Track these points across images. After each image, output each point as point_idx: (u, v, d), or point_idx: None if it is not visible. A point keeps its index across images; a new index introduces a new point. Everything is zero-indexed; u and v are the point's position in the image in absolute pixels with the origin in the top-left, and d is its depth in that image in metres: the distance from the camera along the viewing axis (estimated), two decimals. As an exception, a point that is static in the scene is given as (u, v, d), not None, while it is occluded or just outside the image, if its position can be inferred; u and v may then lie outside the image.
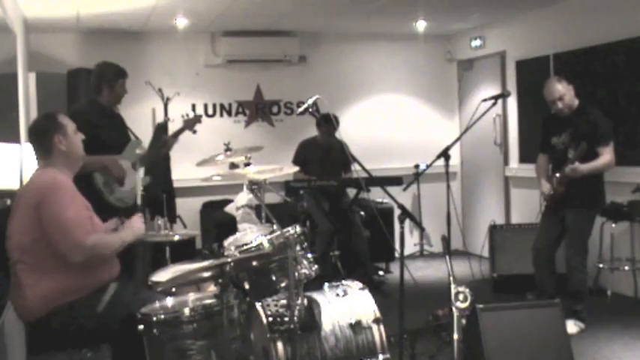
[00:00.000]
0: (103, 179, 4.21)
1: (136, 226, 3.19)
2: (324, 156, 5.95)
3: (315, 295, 3.00)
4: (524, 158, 6.69)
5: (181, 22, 6.17)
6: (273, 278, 2.88)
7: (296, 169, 4.37)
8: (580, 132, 4.53)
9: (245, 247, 3.04)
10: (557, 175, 4.62)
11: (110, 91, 4.40)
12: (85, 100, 4.68)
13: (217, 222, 6.09)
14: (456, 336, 2.70)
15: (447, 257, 3.02)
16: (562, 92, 4.57)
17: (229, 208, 5.48)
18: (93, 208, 3.14)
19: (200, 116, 5.19)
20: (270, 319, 2.83)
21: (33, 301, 2.86)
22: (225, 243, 3.28)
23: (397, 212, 3.45)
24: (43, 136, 3.06)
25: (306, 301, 2.82)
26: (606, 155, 4.50)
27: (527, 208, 6.34)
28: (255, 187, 3.96)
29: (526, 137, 6.66)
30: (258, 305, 2.91)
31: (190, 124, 5.04)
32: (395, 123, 7.59)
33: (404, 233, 3.57)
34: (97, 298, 2.93)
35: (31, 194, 2.94)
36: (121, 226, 3.23)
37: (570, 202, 4.60)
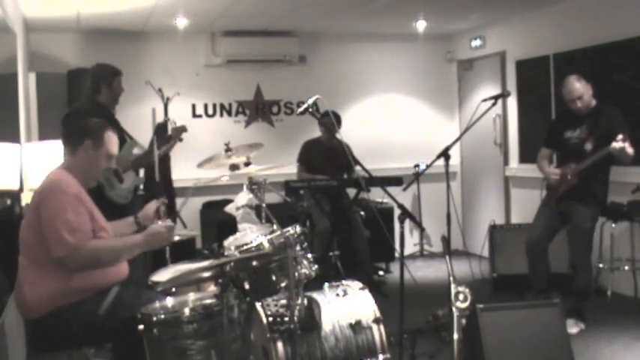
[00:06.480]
0: (105, 174, 4.23)
1: (155, 231, 2.99)
2: (326, 157, 5.93)
3: (315, 295, 3.00)
4: (524, 158, 6.69)
5: (181, 22, 6.16)
6: (273, 278, 2.88)
7: (293, 171, 4.36)
8: (597, 128, 4.50)
9: (245, 247, 3.04)
10: (573, 166, 4.57)
11: (109, 89, 4.45)
12: (86, 99, 4.67)
13: (217, 222, 6.09)
14: (456, 336, 2.70)
15: (447, 257, 3.02)
16: (581, 92, 4.54)
17: (229, 208, 5.46)
18: (94, 201, 3.07)
19: (185, 126, 5.12)
20: (270, 319, 2.83)
21: (35, 299, 2.84)
22: (225, 243, 3.27)
23: (397, 212, 3.46)
24: (78, 133, 3.02)
25: (306, 301, 2.82)
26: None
27: (527, 208, 6.33)
28: (255, 187, 3.96)
29: (526, 137, 6.66)
30: (258, 305, 2.91)
31: (178, 132, 5.05)
32: (395, 123, 7.59)
33: (404, 233, 3.57)
34: (100, 300, 2.90)
35: (37, 192, 2.92)
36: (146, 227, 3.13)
37: (578, 198, 4.58)
